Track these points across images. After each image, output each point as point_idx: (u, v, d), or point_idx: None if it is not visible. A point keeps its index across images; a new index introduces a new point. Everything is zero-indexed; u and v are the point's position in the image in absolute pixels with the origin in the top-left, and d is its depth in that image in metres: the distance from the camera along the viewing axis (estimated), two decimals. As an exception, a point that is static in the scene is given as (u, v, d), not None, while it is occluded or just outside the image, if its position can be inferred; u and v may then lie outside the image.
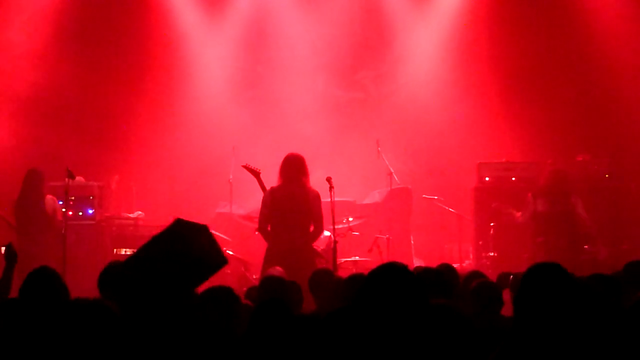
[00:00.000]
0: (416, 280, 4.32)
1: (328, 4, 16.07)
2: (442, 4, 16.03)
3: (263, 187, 10.65)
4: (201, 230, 5.20)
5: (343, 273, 9.43)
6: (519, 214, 12.84)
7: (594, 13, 15.20)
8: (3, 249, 7.20)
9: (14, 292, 6.29)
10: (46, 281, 5.46)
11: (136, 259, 5.08)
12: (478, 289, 6.36)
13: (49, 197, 12.19)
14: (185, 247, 5.06)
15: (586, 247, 12.56)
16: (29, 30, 15.09)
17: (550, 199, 12.56)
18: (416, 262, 13.25)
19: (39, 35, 15.13)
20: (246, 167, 10.94)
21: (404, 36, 16.22)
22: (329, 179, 10.17)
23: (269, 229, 10.20)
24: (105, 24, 15.57)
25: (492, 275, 8.01)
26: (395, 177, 13.55)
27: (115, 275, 5.74)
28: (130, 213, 14.03)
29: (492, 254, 13.27)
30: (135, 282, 4.90)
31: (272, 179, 10.55)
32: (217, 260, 5.23)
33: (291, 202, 10.09)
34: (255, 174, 10.82)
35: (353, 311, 4.26)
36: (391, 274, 4.32)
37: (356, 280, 6.45)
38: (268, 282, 7.04)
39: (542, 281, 4.29)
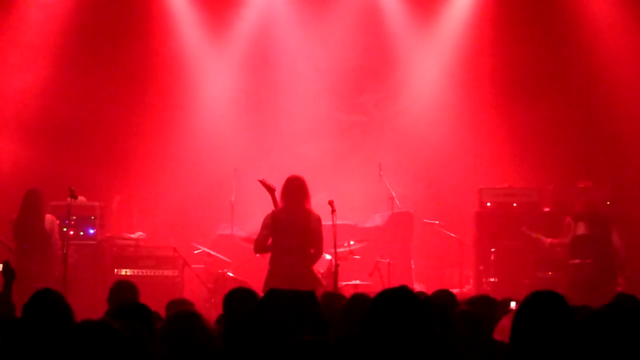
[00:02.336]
0: (424, 306, 4.30)
1: (331, 28, 16.12)
2: (444, 29, 16.07)
3: (276, 204, 10.56)
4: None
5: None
6: (548, 240, 12.86)
7: (596, 38, 15.24)
8: (0, 266, 7.20)
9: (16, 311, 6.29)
10: (50, 303, 5.39)
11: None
12: (460, 318, 6.36)
13: (48, 216, 12.19)
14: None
15: (620, 280, 12.57)
16: (30, 52, 15.13)
17: (590, 223, 12.61)
18: (416, 287, 13.22)
19: (41, 57, 15.17)
20: (262, 183, 10.84)
21: (407, 60, 16.26)
22: (331, 202, 10.15)
23: (267, 246, 10.17)
24: (107, 46, 15.60)
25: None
26: (397, 201, 13.55)
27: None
28: (131, 233, 14.03)
29: (492, 279, 13.26)
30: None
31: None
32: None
33: (293, 225, 10.07)
34: (271, 190, 10.70)
35: (362, 337, 4.23)
36: (402, 299, 4.29)
37: (358, 301, 6.44)
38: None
39: (539, 310, 4.28)
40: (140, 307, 5.63)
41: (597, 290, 11.44)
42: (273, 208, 10.34)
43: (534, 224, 13.26)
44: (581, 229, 12.67)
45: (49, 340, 5.07)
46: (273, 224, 10.13)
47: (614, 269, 12.58)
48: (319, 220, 10.16)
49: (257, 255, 10.73)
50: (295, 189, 10.21)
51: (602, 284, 12.03)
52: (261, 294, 9.69)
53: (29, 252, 11.90)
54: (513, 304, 7.26)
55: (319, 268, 10.66)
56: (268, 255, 10.32)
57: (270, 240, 10.20)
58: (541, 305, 4.30)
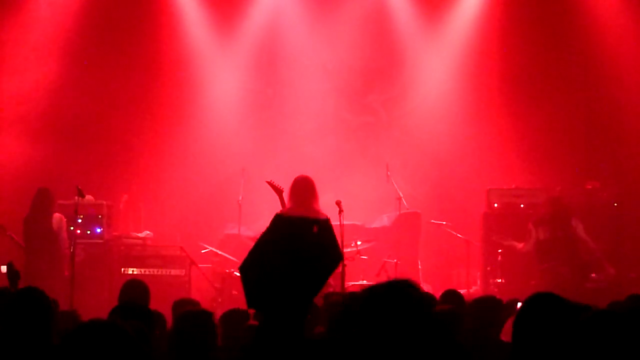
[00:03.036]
0: (422, 299, 4.24)
1: (338, 28, 16.11)
2: (452, 29, 16.06)
3: (283, 205, 10.57)
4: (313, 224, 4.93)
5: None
6: (520, 244, 12.87)
7: (605, 39, 15.21)
8: (4, 268, 7.20)
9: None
10: (31, 302, 5.33)
11: (255, 268, 4.71)
12: (477, 308, 6.38)
13: (56, 215, 12.24)
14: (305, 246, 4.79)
15: (593, 275, 12.54)
16: (37, 52, 15.15)
17: (551, 226, 12.59)
18: (424, 287, 13.20)
19: (49, 57, 15.18)
20: (270, 184, 10.86)
21: (414, 60, 16.25)
22: (338, 203, 10.15)
23: None
24: (115, 45, 15.62)
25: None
26: (404, 202, 13.55)
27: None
28: (138, 233, 14.05)
29: (499, 280, 13.25)
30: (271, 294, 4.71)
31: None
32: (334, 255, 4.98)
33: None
34: (279, 191, 10.72)
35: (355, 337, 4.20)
36: (395, 295, 4.23)
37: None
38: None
39: (540, 311, 4.28)
40: (139, 308, 5.64)
41: (571, 290, 11.36)
42: (281, 208, 10.34)
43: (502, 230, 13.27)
44: (542, 234, 12.64)
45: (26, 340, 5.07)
46: None
47: (584, 266, 12.55)
48: (327, 220, 10.14)
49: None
50: (304, 189, 10.20)
51: (574, 283, 12.00)
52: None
53: (38, 251, 11.95)
54: (520, 305, 7.25)
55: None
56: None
57: None
58: (542, 306, 4.30)
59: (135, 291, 7.64)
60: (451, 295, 7.36)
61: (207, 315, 5.70)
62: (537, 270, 12.74)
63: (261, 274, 4.61)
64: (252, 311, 8.24)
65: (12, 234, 12.14)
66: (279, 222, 4.78)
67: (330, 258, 4.77)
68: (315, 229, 4.71)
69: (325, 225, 4.92)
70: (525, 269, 13.11)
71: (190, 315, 5.76)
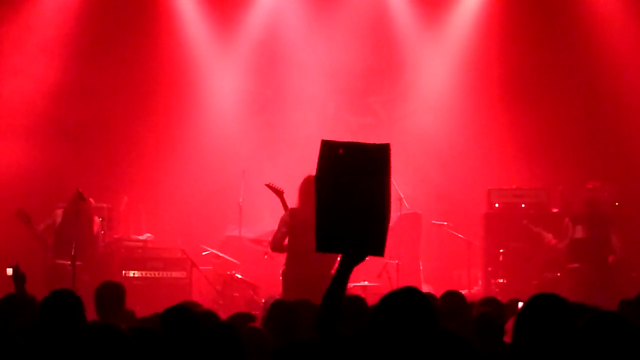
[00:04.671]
0: (431, 308, 4.27)
1: (339, 29, 16.10)
2: (452, 31, 16.06)
3: (285, 207, 10.51)
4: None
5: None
6: (550, 235, 12.82)
7: (605, 39, 15.20)
8: (10, 270, 7.18)
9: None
10: (65, 303, 5.44)
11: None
12: (480, 319, 6.35)
13: (95, 218, 12.40)
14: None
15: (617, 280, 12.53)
16: (38, 55, 15.13)
17: (589, 225, 12.54)
18: (425, 288, 13.20)
19: (48, 60, 15.16)
20: (269, 186, 10.83)
21: (415, 62, 16.24)
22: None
23: (284, 246, 10.03)
24: (114, 47, 15.59)
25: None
26: (405, 203, 13.54)
27: None
28: (139, 235, 14.04)
29: (501, 280, 13.25)
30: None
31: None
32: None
33: (312, 226, 9.95)
34: (279, 193, 10.68)
35: (367, 339, 4.20)
36: (408, 301, 4.26)
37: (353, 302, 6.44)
38: (278, 307, 6.94)
39: (541, 312, 4.26)
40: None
41: (597, 295, 11.36)
42: (283, 210, 10.29)
43: (536, 222, 13.24)
44: (579, 232, 12.61)
45: (61, 339, 5.08)
46: (292, 222, 9.94)
47: (611, 272, 12.53)
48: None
49: (265, 257, 10.67)
50: (314, 187, 10.09)
51: (601, 288, 11.97)
52: (279, 297, 9.65)
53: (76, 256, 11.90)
54: (520, 304, 7.23)
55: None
56: (277, 257, 10.25)
57: (286, 239, 10.05)
58: (542, 308, 4.28)
59: (111, 293, 7.58)
60: (451, 296, 7.31)
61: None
62: (564, 269, 12.71)
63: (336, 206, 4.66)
64: (256, 313, 8.24)
65: (34, 226, 12.15)
66: (326, 147, 4.89)
67: (383, 175, 4.79)
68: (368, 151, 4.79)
69: (381, 148, 4.87)
70: (527, 269, 13.11)
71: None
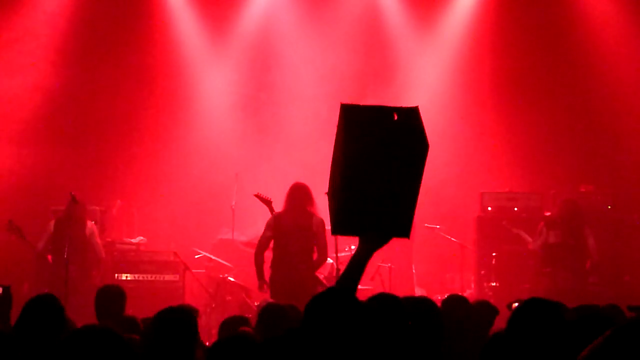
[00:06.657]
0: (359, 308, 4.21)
1: (332, 32, 16.10)
2: (445, 33, 16.07)
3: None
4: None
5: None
6: (529, 238, 12.80)
7: (598, 42, 15.24)
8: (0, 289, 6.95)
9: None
10: (44, 308, 5.38)
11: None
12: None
13: (88, 222, 12.37)
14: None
15: (591, 280, 12.52)
16: (30, 55, 15.10)
17: (563, 231, 12.50)
18: (418, 291, 13.23)
19: (41, 60, 15.14)
20: (258, 197, 10.92)
21: (408, 64, 16.25)
22: (332, 207, 10.12)
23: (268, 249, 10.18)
24: (108, 50, 15.58)
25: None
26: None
27: None
28: (132, 238, 14.03)
29: (494, 283, 13.26)
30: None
31: (275, 206, 10.59)
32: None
33: (296, 229, 10.07)
34: (267, 202, 10.80)
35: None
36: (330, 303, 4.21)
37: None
38: (268, 311, 6.94)
39: (533, 315, 4.27)
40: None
41: (571, 299, 11.33)
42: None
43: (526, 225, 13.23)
44: (553, 237, 12.55)
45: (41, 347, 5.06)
46: (276, 226, 10.11)
47: (585, 275, 12.51)
48: (322, 223, 10.13)
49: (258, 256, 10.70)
50: (300, 195, 10.21)
51: (575, 292, 11.93)
52: (270, 300, 9.66)
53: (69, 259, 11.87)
54: (515, 304, 7.23)
55: (322, 272, 10.66)
56: (270, 260, 10.30)
57: (272, 242, 10.20)
58: (536, 311, 4.29)
59: (110, 297, 7.58)
60: (454, 300, 7.28)
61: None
62: (537, 273, 12.71)
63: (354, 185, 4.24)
64: (249, 316, 8.24)
65: (26, 236, 12.12)
66: (349, 113, 4.40)
67: (420, 143, 4.46)
68: (395, 116, 4.33)
69: (409, 112, 4.50)
70: (519, 272, 13.11)
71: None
